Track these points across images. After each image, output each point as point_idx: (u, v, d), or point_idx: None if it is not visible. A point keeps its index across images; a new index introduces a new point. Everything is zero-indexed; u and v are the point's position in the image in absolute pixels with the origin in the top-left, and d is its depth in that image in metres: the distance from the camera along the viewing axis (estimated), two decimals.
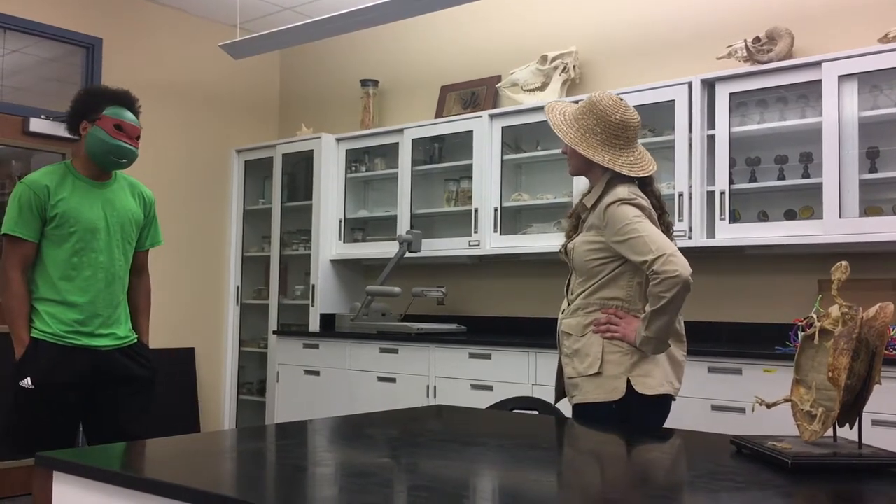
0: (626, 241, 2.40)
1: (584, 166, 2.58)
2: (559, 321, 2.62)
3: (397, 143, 5.15)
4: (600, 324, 2.47)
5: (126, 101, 3.05)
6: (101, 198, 3.02)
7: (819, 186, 3.65)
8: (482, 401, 3.46)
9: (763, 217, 3.98)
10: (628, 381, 2.42)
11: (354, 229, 5.52)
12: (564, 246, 2.64)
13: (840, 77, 3.60)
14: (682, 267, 2.33)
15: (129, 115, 3.03)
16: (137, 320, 3.16)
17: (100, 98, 3.02)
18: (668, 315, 2.35)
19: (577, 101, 4.26)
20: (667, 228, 2.56)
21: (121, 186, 3.11)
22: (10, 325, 2.89)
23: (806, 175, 3.84)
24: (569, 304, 2.60)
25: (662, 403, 2.47)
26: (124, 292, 3.10)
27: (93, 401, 2.96)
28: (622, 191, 2.46)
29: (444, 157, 5.16)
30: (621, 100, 2.54)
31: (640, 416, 2.41)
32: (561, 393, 2.65)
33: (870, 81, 3.66)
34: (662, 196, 2.62)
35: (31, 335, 2.88)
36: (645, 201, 2.47)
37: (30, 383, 2.82)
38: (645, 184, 2.55)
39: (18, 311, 2.88)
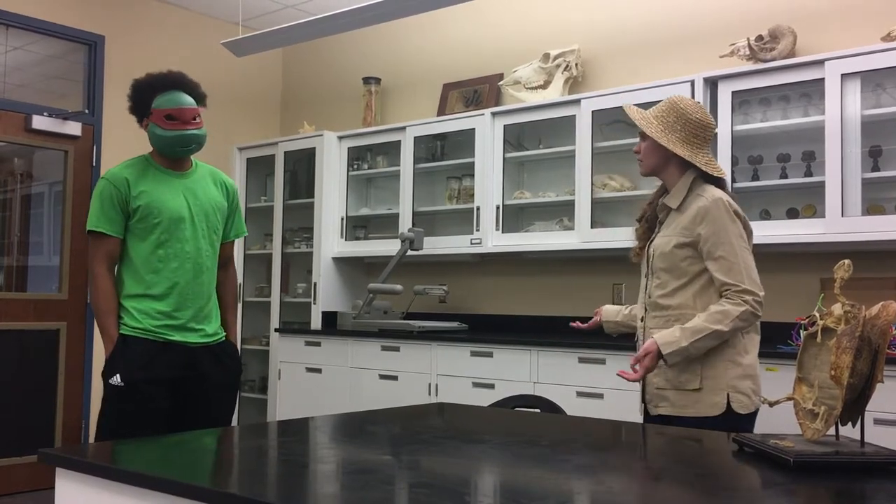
0: (722, 259, 2.40)
1: (661, 163, 2.56)
2: (643, 327, 2.57)
3: (399, 141, 5.15)
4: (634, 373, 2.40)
5: (171, 83, 2.92)
6: (182, 187, 2.92)
7: (821, 185, 3.65)
8: (484, 399, 3.46)
9: (765, 215, 3.97)
10: (728, 396, 2.36)
11: (356, 227, 5.52)
12: (640, 248, 2.64)
13: (843, 76, 3.60)
14: (761, 311, 2.38)
15: (178, 98, 2.90)
16: (224, 317, 3.04)
17: (145, 92, 2.91)
18: (718, 341, 2.35)
19: (577, 99, 4.32)
20: None
21: (202, 175, 3.04)
22: (99, 322, 2.81)
23: (808, 174, 3.83)
24: (646, 310, 2.55)
25: (753, 418, 2.43)
26: (213, 284, 2.98)
27: (184, 396, 2.85)
28: (719, 192, 2.49)
29: (446, 154, 5.16)
30: (699, 103, 2.60)
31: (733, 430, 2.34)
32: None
33: (873, 80, 3.65)
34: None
35: (120, 332, 2.78)
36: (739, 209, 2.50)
37: (119, 380, 2.73)
38: (720, 186, 2.56)
39: (107, 308, 2.80)
